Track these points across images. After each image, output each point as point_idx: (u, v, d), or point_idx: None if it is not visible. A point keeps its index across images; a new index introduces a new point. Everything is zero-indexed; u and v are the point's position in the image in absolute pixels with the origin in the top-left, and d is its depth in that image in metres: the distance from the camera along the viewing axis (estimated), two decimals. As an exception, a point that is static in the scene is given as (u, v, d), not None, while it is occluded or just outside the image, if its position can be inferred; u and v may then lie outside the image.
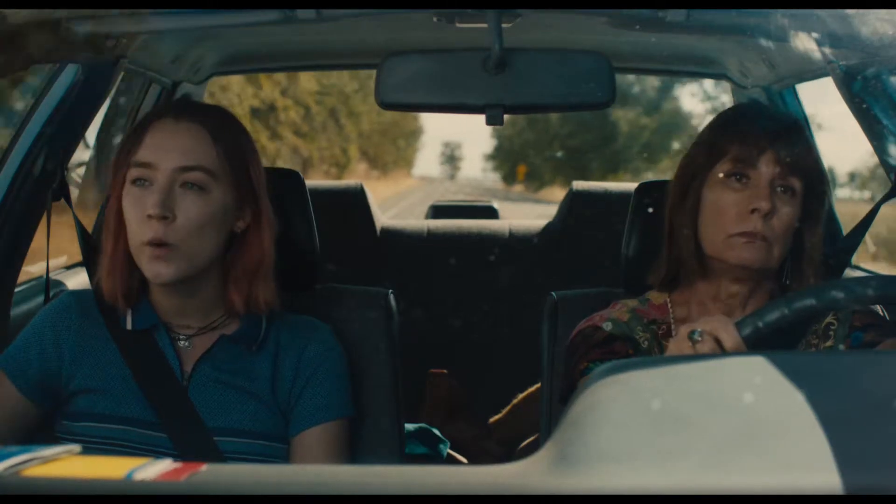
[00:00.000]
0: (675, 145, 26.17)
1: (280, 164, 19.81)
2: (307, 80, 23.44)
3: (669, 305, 1.72)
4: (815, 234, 1.66)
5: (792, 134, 1.65)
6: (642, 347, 1.68)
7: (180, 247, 1.54)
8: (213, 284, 1.63)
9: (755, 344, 1.36)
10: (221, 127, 1.61)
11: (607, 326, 1.69)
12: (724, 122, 1.70)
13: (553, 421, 1.84)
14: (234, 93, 18.51)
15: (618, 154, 27.94)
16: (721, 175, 1.63)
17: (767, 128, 1.64)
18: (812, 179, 1.64)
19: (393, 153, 40.93)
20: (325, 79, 24.14)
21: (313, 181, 3.14)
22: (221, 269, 1.63)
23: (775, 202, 1.60)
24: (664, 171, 25.38)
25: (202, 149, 1.57)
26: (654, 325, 1.71)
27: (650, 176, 23.23)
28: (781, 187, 1.61)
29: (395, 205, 22.76)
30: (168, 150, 1.56)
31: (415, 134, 49.12)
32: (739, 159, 1.62)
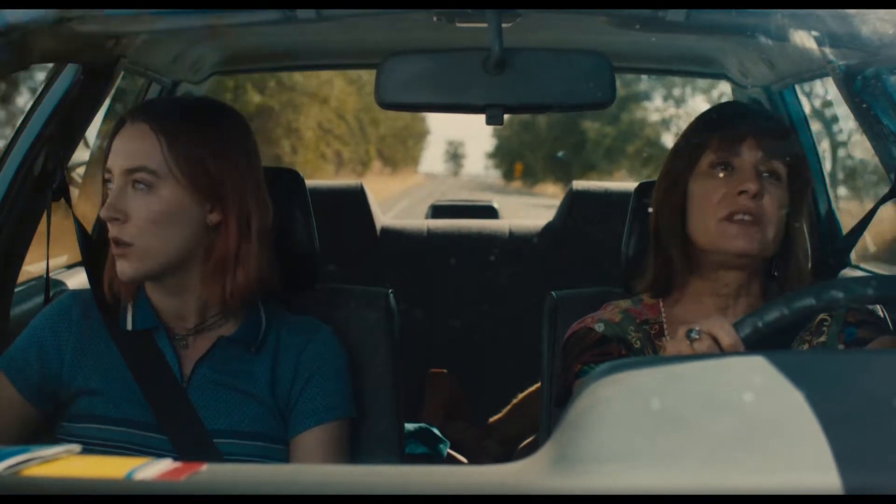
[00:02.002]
0: (630, 149, 32.47)
1: (327, 164, 26.36)
2: (355, 102, 29.97)
3: (661, 305, 1.72)
4: (801, 223, 1.67)
5: (771, 123, 1.68)
6: (635, 348, 1.68)
7: (136, 244, 1.57)
8: (198, 280, 1.63)
9: (755, 344, 1.36)
10: (170, 124, 1.59)
11: (599, 328, 1.69)
12: (703, 120, 1.72)
13: (553, 421, 1.84)
14: (312, 116, 25.36)
15: (589, 156, 34.42)
16: (705, 167, 1.65)
17: (746, 119, 1.67)
18: (795, 166, 1.66)
19: (402, 152, 47.13)
20: (365, 98, 30.42)
21: (313, 181, 3.14)
22: (202, 264, 1.62)
23: (762, 184, 1.61)
24: (624, 169, 31.98)
25: (146, 149, 1.58)
26: (646, 325, 1.71)
27: (623, 174, 29.86)
28: (766, 172, 1.63)
29: (407, 196, 27.10)
30: (119, 153, 1.60)
31: (422, 134, 56.03)
32: (721, 149, 1.63)
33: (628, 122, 32.93)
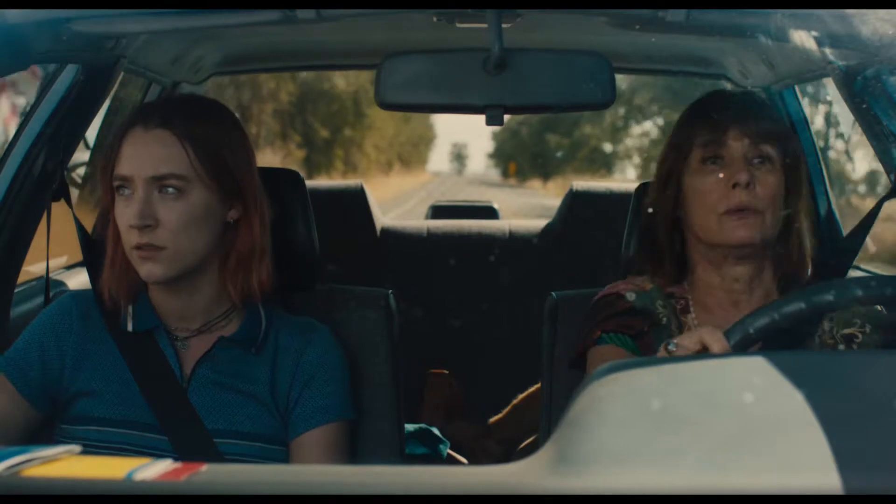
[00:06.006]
0: (580, 155, 44.14)
1: (374, 168, 35.78)
2: (393, 126, 41.46)
3: (686, 283, 1.74)
4: (801, 202, 1.68)
5: (755, 106, 1.69)
6: (661, 323, 1.69)
7: (169, 248, 1.57)
8: (213, 280, 1.64)
9: (747, 350, 1.36)
10: (190, 128, 1.60)
11: (630, 297, 1.71)
12: (689, 115, 1.73)
13: (553, 421, 1.84)
14: (371, 140, 36.20)
15: (552, 160, 45.91)
16: (696, 163, 1.66)
17: (727, 108, 1.67)
18: (786, 146, 1.66)
19: (415, 155, 59.93)
20: (396, 121, 41.70)
21: (313, 181, 3.14)
22: (219, 262, 1.64)
23: (753, 173, 1.62)
24: (575, 170, 42.38)
25: (172, 155, 1.58)
26: (672, 298, 1.72)
27: (585, 174, 39.37)
28: (757, 158, 1.64)
29: (423, 189, 34.60)
30: (141, 160, 1.58)
31: (431, 139, 69.14)
32: (708, 143, 1.65)
33: (579, 135, 44.63)
